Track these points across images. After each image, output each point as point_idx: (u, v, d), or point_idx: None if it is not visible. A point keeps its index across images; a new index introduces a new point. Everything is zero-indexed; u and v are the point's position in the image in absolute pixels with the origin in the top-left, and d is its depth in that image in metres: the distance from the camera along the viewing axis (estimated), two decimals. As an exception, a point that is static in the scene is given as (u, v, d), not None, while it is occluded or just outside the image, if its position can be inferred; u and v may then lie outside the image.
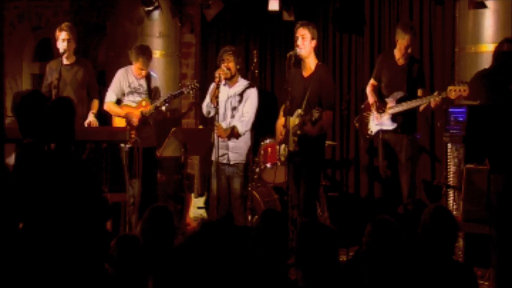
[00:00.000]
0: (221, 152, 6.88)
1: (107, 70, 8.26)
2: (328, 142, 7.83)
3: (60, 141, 4.40)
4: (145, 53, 7.22)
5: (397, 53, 6.93)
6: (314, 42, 6.65)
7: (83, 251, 4.25)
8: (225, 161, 6.97)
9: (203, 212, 7.79)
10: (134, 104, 7.26)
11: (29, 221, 4.43)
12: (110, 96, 7.34)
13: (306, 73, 6.67)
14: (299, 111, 6.57)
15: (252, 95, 7.03)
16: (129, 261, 3.90)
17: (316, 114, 6.33)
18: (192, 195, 7.88)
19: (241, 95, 6.99)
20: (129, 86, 7.27)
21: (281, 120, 6.83)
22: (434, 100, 6.57)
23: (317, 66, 6.65)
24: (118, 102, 7.33)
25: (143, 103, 7.23)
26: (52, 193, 4.29)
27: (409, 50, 6.89)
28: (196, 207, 7.81)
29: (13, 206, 4.39)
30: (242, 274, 3.76)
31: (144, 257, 3.91)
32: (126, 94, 7.29)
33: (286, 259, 3.96)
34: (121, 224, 6.84)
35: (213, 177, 6.98)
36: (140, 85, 7.29)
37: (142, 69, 7.21)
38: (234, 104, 6.99)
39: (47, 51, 9.13)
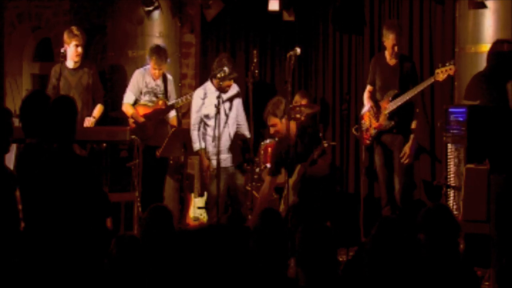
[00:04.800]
0: (224, 155, 6.95)
1: (107, 70, 8.27)
2: (328, 142, 7.84)
3: (62, 141, 4.39)
4: (158, 53, 7.32)
5: (387, 54, 7.03)
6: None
7: (84, 251, 4.25)
8: (229, 164, 7.04)
9: (203, 212, 7.79)
10: (151, 104, 7.36)
11: (31, 221, 4.43)
12: (129, 97, 7.48)
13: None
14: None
15: (239, 104, 7.15)
16: (128, 260, 3.90)
17: None
18: (192, 195, 7.88)
19: (231, 102, 7.05)
20: (146, 86, 7.40)
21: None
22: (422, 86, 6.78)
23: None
24: (136, 101, 7.46)
25: (160, 102, 7.34)
26: (53, 192, 4.30)
27: (396, 49, 6.94)
28: (196, 207, 7.81)
29: (14, 205, 4.40)
30: (241, 274, 3.76)
31: (143, 257, 3.91)
32: (143, 94, 7.42)
33: (286, 258, 3.96)
34: (122, 223, 6.85)
35: (212, 179, 6.99)
36: (157, 85, 7.40)
37: (155, 69, 7.28)
38: (227, 111, 7.04)
39: (47, 51, 9.13)
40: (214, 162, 6.90)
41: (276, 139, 6.89)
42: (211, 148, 6.95)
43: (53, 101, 4.64)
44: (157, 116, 7.44)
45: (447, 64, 6.68)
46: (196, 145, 6.99)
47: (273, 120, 6.54)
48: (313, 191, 6.37)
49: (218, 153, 6.75)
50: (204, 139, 6.99)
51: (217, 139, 6.77)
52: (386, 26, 7.09)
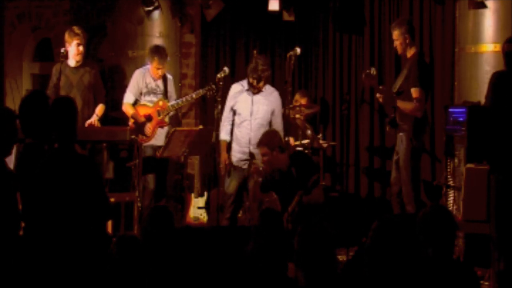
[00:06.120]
0: (243, 157, 7.06)
1: (107, 70, 8.27)
2: (328, 142, 7.84)
3: (63, 141, 4.39)
4: (159, 52, 7.34)
5: None
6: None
7: (84, 252, 4.26)
8: (245, 166, 7.10)
9: (203, 212, 7.79)
10: (151, 104, 7.36)
11: (31, 221, 4.43)
12: (128, 98, 7.46)
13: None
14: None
15: (276, 112, 7.18)
16: (128, 260, 3.90)
17: None
18: (192, 195, 7.89)
19: (261, 106, 7.11)
20: (146, 86, 7.40)
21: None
22: None
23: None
24: (136, 102, 7.45)
25: (160, 103, 7.34)
26: (54, 192, 4.30)
27: (397, 44, 6.85)
28: (196, 207, 7.81)
29: (14, 206, 4.40)
30: (241, 274, 3.76)
31: (143, 257, 3.91)
32: (143, 94, 7.42)
33: (286, 258, 3.97)
34: (122, 223, 6.85)
35: (228, 177, 7.10)
36: (157, 85, 7.42)
37: (158, 68, 7.30)
38: (254, 114, 7.08)
39: (47, 51, 9.13)
40: (233, 158, 7.08)
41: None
42: (234, 145, 7.11)
43: (53, 101, 4.63)
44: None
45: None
46: (221, 135, 7.11)
47: (264, 150, 6.48)
48: (309, 219, 6.30)
49: (216, 153, 6.84)
50: (231, 134, 7.15)
51: (217, 138, 6.86)
52: None
